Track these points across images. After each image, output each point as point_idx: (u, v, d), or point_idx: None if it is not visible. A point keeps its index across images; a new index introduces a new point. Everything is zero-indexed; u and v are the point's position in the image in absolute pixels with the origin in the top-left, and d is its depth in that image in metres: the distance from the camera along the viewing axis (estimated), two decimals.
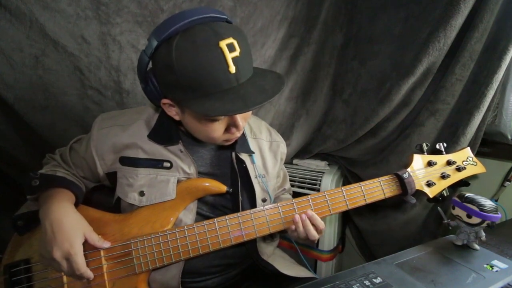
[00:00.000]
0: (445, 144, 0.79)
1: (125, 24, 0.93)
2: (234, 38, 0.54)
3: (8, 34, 0.80)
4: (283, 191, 0.92)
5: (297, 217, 0.65)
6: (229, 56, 0.53)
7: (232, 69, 0.54)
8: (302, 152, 1.39)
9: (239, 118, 0.62)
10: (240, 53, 0.54)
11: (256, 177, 0.76)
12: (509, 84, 0.95)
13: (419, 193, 0.75)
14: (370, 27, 1.13)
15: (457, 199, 0.72)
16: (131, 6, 0.92)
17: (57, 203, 0.62)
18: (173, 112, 0.64)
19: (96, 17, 0.88)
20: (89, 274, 0.61)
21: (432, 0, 0.95)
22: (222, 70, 0.54)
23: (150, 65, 0.60)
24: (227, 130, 0.64)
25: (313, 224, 0.65)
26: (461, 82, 0.95)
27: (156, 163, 0.69)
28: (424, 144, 0.78)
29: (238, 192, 0.72)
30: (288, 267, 0.77)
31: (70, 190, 0.68)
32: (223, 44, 0.53)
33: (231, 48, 0.53)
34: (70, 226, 0.60)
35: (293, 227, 0.66)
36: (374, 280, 0.60)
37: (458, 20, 0.88)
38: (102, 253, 0.65)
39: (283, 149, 0.85)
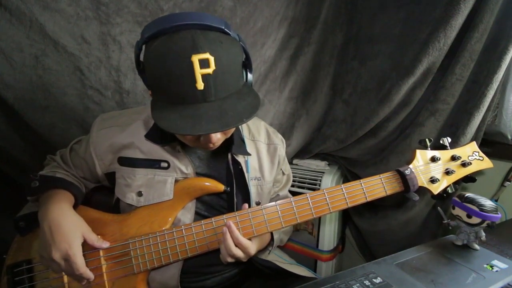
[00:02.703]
0: (449, 139, 0.77)
1: (125, 24, 0.93)
2: (212, 54, 0.51)
3: (8, 34, 0.80)
4: (277, 198, 0.88)
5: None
6: (199, 72, 0.51)
7: (200, 85, 0.52)
8: (302, 152, 1.39)
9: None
10: (214, 71, 0.52)
11: (252, 179, 0.75)
12: (509, 84, 0.95)
13: (422, 191, 0.73)
14: (370, 27, 1.13)
15: (457, 199, 0.71)
16: (131, 6, 0.92)
17: (55, 205, 0.62)
18: None
19: (96, 17, 0.89)
20: (89, 274, 0.61)
21: (432, 0, 0.95)
22: (189, 84, 0.52)
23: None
24: (199, 140, 0.61)
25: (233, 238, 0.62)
26: (461, 82, 0.95)
27: (154, 163, 0.69)
28: (427, 140, 0.76)
29: (233, 193, 0.71)
30: (287, 267, 0.76)
31: (69, 191, 0.68)
32: (195, 58, 0.50)
33: (204, 64, 0.51)
34: (68, 227, 0.60)
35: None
36: (374, 280, 0.60)
37: (458, 20, 0.88)
38: (101, 253, 0.65)
39: (281, 151, 0.82)
